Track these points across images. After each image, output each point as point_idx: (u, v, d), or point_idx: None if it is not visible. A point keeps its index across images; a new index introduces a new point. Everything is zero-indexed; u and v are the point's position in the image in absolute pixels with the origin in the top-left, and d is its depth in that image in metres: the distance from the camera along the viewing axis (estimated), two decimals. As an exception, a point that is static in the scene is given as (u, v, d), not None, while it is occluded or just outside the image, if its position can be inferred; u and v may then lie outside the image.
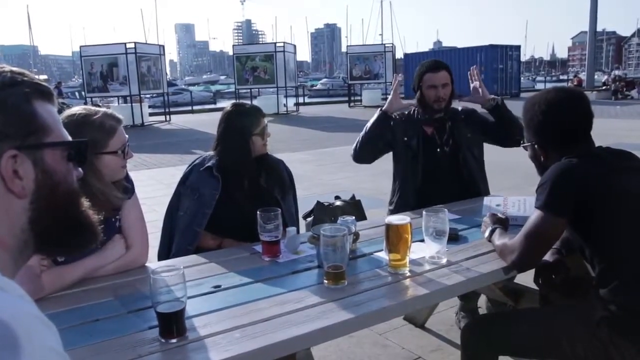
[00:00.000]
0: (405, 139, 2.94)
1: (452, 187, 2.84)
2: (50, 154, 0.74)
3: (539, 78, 70.18)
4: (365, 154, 2.97)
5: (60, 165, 0.75)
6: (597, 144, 1.86)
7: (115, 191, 1.90)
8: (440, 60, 3.07)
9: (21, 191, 0.70)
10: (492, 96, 2.87)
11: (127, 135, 1.94)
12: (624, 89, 24.45)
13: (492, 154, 3.03)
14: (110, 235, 1.91)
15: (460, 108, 3.03)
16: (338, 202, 2.88)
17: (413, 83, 2.99)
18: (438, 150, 2.91)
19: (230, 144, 2.39)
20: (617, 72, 28.12)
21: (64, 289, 1.72)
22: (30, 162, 0.71)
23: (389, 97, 2.93)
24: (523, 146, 2.00)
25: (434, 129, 2.94)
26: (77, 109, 1.87)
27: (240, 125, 2.38)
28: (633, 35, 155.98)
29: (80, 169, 0.80)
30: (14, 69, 0.74)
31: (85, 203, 0.80)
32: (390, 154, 3.04)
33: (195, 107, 26.02)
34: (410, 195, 2.89)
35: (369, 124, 2.95)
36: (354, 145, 2.99)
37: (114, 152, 1.86)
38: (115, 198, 1.90)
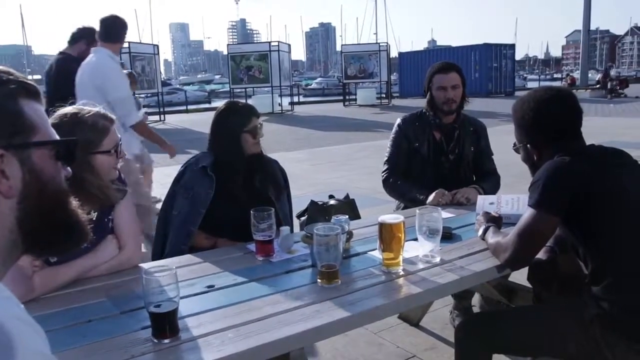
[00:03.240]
0: (417, 144, 2.94)
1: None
2: (38, 153, 0.73)
3: (531, 77, 69.58)
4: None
5: (48, 165, 0.75)
6: (591, 142, 1.87)
7: (113, 186, 1.90)
8: (451, 62, 3.06)
9: (8, 191, 0.69)
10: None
11: (119, 135, 1.93)
12: (618, 88, 24.54)
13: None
14: (102, 235, 1.90)
15: (471, 117, 3.03)
16: (332, 201, 2.88)
17: (424, 85, 2.99)
18: (443, 157, 2.92)
19: (221, 141, 2.40)
20: (611, 73, 28.16)
21: (56, 290, 1.71)
22: (17, 162, 0.70)
23: (433, 197, 2.71)
24: (515, 149, 2.01)
25: (442, 135, 2.94)
26: (70, 109, 1.86)
27: (231, 122, 2.39)
28: (626, 34, 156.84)
29: (69, 169, 0.79)
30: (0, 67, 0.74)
31: (74, 202, 0.79)
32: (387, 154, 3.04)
33: (189, 107, 25.97)
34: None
35: (405, 196, 2.92)
36: (386, 178, 2.98)
37: (107, 152, 1.86)
38: (113, 192, 1.89)
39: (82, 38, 4.27)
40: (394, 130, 3.05)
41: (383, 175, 2.99)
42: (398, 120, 3.07)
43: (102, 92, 3.57)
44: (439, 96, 2.86)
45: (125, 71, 4.68)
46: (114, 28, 3.89)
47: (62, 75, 4.14)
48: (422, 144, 2.93)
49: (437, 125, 2.93)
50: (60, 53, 4.42)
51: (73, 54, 4.28)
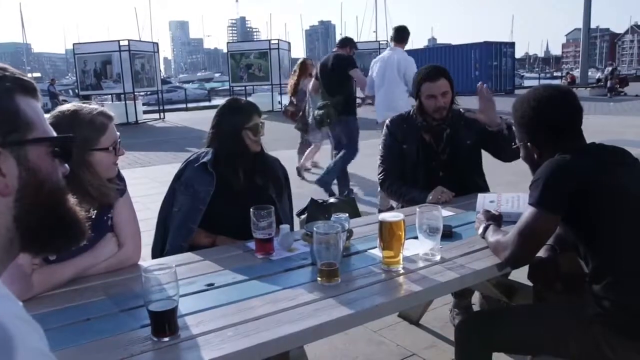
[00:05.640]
0: (405, 146, 2.92)
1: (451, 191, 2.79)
2: (35, 151, 0.72)
3: (529, 75, 67.78)
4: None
5: (45, 162, 0.74)
6: (591, 140, 1.86)
7: (111, 185, 1.89)
8: (439, 66, 2.99)
9: (4, 189, 0.69)
10: (501, 119, 2.73)
11: (118, 133, 1.92)
12: (618, 86, 24.48)
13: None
14: (102, 233, 1.89)
15: (462, 111, 2.99)
16: (332, 199, 2.88)
17: (412, 91, 2.95)
18: (435, 157, 2.90)
19: (221, 137, 2.39)
20: (610, 69, 28.01)
21: (55, 288, 1.71)
22: (13, 159, 0.70)
23: (432, 195, 2.70)
24: (515, 147, 2.00)
25: (432, 135, 2.91)
26: (68, 106, 1.85)
27: (232, 119, 2.38)
28: (626, 32, 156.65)
29: (66, 166, 0.78)
30: None
31: (72, 200, 0.78)
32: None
33: (189, 105, 25.93)
34: None
35: (403, 197, 2.90)
36: (383, 181, 2.97)
37: (105, 149, 1.84)
38: (111, 191, 1.88)
39: (346, 45, 6.25)
40: (383, 132, 3.04)
41: (380, 178, 2.98)
42: (387, 122, 3.05)
43: (402, 73, 5.59)
44: (428, 105, 2.82)
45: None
46: (403, 34, 5.92)
47: (338, 68, 6.02)
48: (410, 145, 2.90)
49: (425, 128, 2.90)
50: (336, 53, 6.26)
51: (344, 53, 6.17)
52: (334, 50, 6.32)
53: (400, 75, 5.63)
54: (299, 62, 8.20)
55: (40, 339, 0.62)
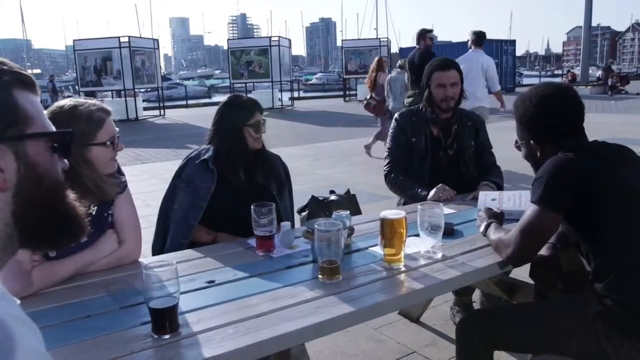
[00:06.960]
0: (414, 139, 2.93)
1: (454, 188, 2.78)
2: (33, 146, 0.71)
3: (528, 73, 66.69)
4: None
5: (44, 157, 0.73)
6: (592, 138, 1.85)
7: (109, 181, 1.88)
8: (450, 58, 3.06)
9: (2, 184, 0.68)
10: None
11: (117, 128, 1.91)
12: (619, 84, 24.44)
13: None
14: (102, 230, 1.88)
15: (469, 111, 3.01)
16: (333, 197, 2.86)
17: (422, 81, 2.99)
18: (442, 152, 2.91)
19: (223, 134, 2.39)
20: (613, 67, 27.97)
21: (55, 285, 1.70)
22: (11, 154, 0.69)
23: (434, 192, 2.66)
24: (516, 146, 1.99)
25: (440, 129, 2.93)
26: (65, 101, 1.85)
27: (233, 116, 2.37)
28: (627, 31, 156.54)
29: (65, 161, 0.78)
30: None
31: (72, 195, 0.78)
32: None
33: (189, 102, 25.92)
34: None
35: (406, 192, 2.87)
36: (388, 173, 2.96)
37: (102, 144, 1.83)
38: (109, 187, 1.87)
39: (421, 37, 7.23)
40: (392, 125, 3.06)
41: (385, 170, 2.99)
42: (396, 115, 3.08)
43: (484, 71, 6.76)
44: (437, 93, 2.86)
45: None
46: (482, 38, 7.06)
47: (423, 62, 6.50)
48: (419, 139, 2.92)
49: (434, 121, 2.93)
50: (418, 48, 7.27)
51: (422, 47, 7.17)
52: (416, 46, 7.42)
53: (482, 71, 6.77)
54: (375, 60, 9.53)
55: (38, 339, 0.62)
